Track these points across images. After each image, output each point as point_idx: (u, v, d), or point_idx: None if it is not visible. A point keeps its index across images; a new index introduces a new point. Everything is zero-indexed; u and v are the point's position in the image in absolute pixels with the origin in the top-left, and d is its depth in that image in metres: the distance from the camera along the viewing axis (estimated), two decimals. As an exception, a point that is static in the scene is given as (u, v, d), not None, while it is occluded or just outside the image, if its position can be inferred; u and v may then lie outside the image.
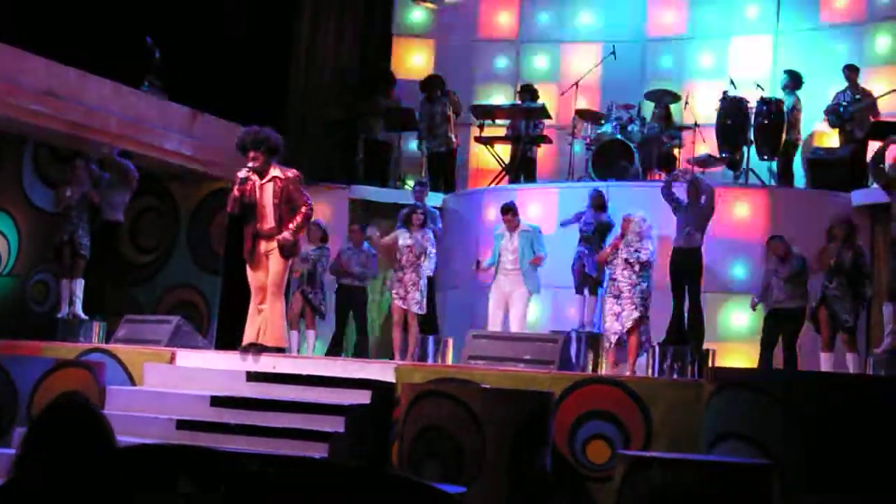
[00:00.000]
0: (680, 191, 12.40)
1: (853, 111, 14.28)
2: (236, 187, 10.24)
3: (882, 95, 14.34)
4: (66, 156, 13.79)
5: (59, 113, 12.63)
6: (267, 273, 10.28)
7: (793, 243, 11.96)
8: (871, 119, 14.10)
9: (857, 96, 14.33)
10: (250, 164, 10.20)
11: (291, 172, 10.37)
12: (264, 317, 10.29)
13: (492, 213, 13.89)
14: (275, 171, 10.27)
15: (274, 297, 10.31)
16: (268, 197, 10.25)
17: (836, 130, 14.71)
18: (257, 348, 10.27)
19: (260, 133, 10.23)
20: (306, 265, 13.18)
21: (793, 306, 11.80)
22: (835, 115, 14.50)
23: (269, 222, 10.25)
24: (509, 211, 12.55)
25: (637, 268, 11.30)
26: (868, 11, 15.37)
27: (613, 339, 11.30)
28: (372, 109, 16.06)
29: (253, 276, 10.38)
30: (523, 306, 12.45)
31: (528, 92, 15.79)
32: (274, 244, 10.24)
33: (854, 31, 15.43)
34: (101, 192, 12.92)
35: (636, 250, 11.34)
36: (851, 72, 14.49)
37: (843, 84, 14.53)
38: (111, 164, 13.06)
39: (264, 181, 10.25)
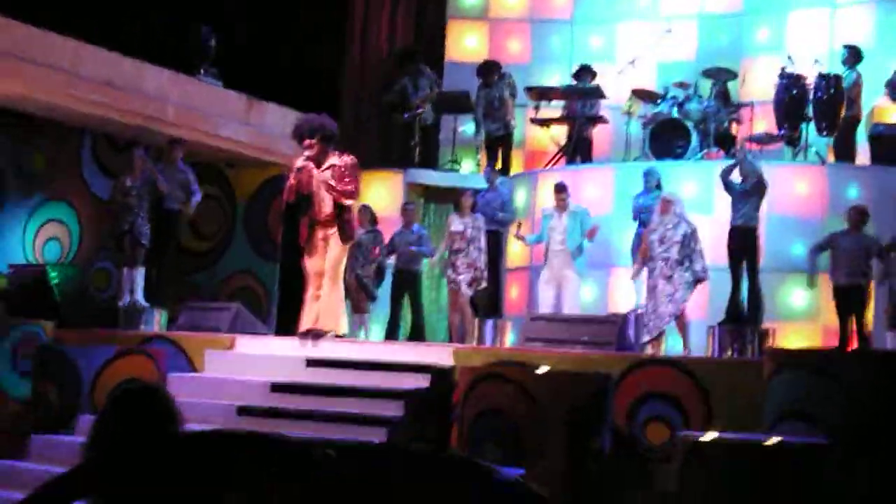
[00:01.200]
0: (735, 174, 12.25)
1: (915, 84, 14.06)
2: (292, 175, 10.26)
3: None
4: (124, 145, 13.92)
5: (118, 103, 12.75)
6: (324, 259, 10.30)
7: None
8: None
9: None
10: (307, 153, 10.21)
11: (349, 158, 10.38)
12: (322, 302, 10.32)
13: (547, 194, 13.82)
14: (333, 159, 10.26)
15: (332, 282, 10.32)
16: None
17: (897, 105, 14.49)
18: (315, 334, 10.31)
19: (315, 121, 10.23)
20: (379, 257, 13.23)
21: (853, 283, 11.63)
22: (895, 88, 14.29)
23: (327, 209, 10.25)
24: (563, 190, 12.55)
25: (680, 253, 11.10)
26: (929, -18, 15.10)
27: (667, 320, 11.16)
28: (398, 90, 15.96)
29: (310, 263, 10.40)
30: (576, 288, 12.41)
31: (589, 73, 15.68)
32: (331, 230, 10.24)
33: (915, 2, 15.17)
34: (167, 181, 12.85)
35: (685, 255, 11.13)
36: (913, 44, 14.27)
37: (905, 58, 14.32)
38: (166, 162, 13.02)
39: (322, 169, 10.25)
